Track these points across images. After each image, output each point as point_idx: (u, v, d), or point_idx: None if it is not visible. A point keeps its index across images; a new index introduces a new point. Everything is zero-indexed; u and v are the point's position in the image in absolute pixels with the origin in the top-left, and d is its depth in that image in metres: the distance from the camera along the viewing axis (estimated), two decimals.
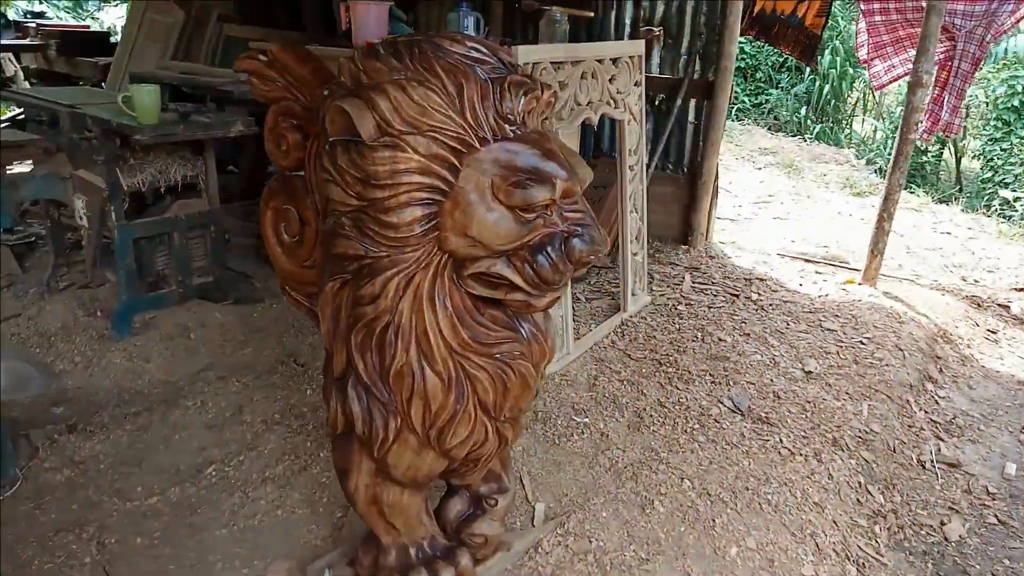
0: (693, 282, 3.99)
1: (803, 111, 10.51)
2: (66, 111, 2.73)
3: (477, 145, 1.34)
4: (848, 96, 10.90)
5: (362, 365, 1.48)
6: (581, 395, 2.84)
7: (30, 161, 3.05)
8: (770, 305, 3.74)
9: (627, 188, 3.40)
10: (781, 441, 2.61)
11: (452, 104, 1.32)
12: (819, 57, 7.27)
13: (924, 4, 3.78)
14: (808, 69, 10.34)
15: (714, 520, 2.19)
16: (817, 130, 10.13)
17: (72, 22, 7.03)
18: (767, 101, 10.99)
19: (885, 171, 7.41)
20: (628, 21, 4.56)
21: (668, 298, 3.77)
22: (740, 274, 4.14)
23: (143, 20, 4.88)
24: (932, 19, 3.57)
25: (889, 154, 7.54)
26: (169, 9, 4.85)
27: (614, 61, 3.18)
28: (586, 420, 2.67)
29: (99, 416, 2.51)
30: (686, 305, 3.68)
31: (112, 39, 6.22)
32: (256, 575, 1.90)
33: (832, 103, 10.66)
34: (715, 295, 3.84)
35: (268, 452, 2.37)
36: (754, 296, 3.84)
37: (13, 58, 6.38)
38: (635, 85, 3.37)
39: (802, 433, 2.67)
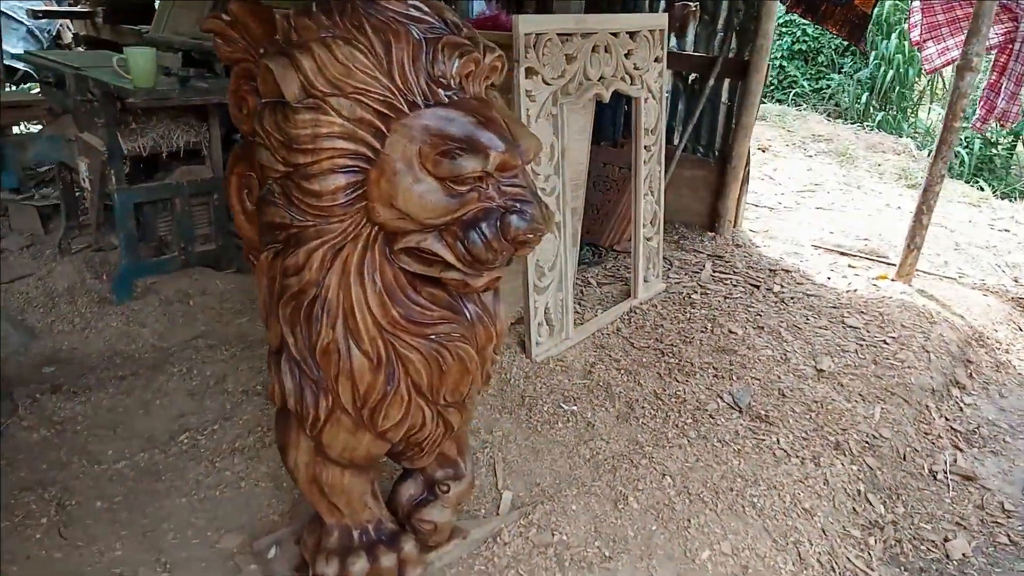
0: (713, 271, 3.82)
1: (865, 98, 10.03)
2: (72, 73, 2.74)
3: (406, 110, 1.25)
4: (915, 82, 10.35)
5: (292, 340, 1.41)
6: (574, 382, 2.74)
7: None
8: (791, 298, 3.55)
9: (641, 169, 3.26)
10: (778, 441, 2.47)
11: (379, 65, 1.23)
12: (868, 38, 6.83)
13: None
14: (873, 53, 9.86)
15: (689, 520, 2.08)
16: (879, 118, 9.65)
17: None
18: (828, 86, 10.52)
19: (949, 163, 7.04)
20: None
21: (684, 286, 3.62)
22: (765, 264, 3.95)
23: None
24: None
25: (958, 145, 7.15)
26: None
27: (632, 35, 3.03)
28: (574, 408, 2.57)
29: (86, 378, 2.53)
30: (701, 294, 3.53)
31: (156, 6, 6.30)
32: (206, 545, 1.87)
33: (896, 90, 10.13)
34: (734, 285, 3.66)
35: (243, 423, 2.35)
36: (776, 288, 3.65)
37: (71, 25, 6.53)
38: (655, 61, 3.21)
39: (803, 434, 2.52)
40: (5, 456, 2.13)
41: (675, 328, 3.19)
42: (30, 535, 1.86)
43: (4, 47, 6.11)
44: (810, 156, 7.48)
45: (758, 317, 3.32)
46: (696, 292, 3.55)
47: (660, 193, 3.45)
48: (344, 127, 1.23)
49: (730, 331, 3.17)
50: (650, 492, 2.18)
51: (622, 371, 2.83)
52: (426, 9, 1.30)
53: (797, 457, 2.41)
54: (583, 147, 3.16)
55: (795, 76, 10.71)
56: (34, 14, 6.27)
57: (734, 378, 2.82)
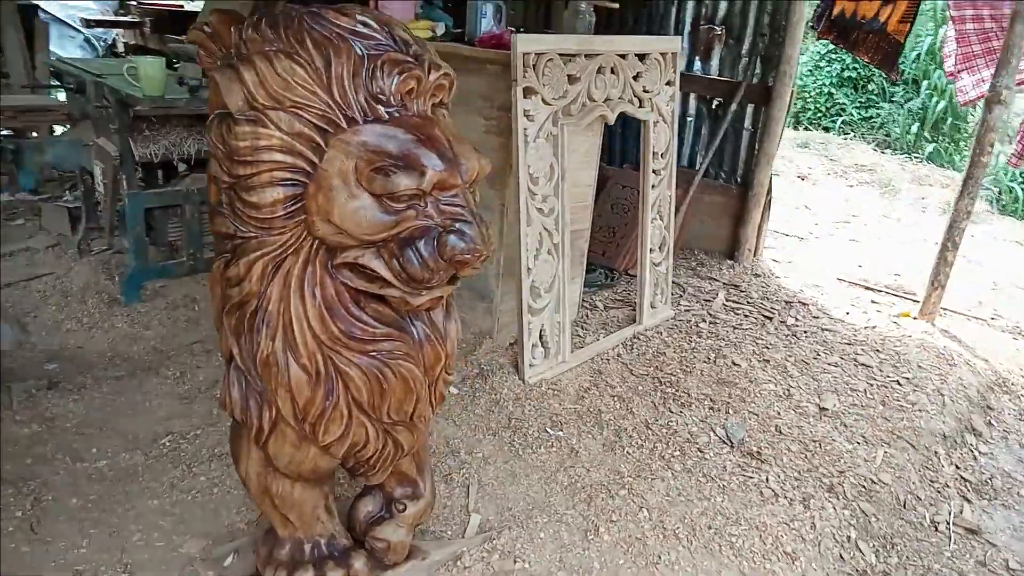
0: (727, 300, 3.74)
1: (915, 128, 9.74)
2: (91, 80, 2.84)
3: (344, 125, 1.25)
4: (970, 114, 10.02)
5: (236, 349, 1.42)
6: (565, 406, 2.69)
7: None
8: (804, 332, 3.45)
9: (649, 194, 3.21)
10: (767, 480, 2.38)
11: (319, 79, 1.23)
12: (900, 67, 6.56)
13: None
14: (925, 83, 9.59)
15: (660, 556, 2.01)
16: (930, 150, 9.37)
17: (176, 0, 7.47)
18: (877, 115, 10.27)
19: (1000, 199, 6.77)
20: (688, 18, 4.33)
21: (693, 314, 3.54)
22: (782, 296, 3.85)
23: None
24: (1017, 27, 3.18)
25: (1011, 180, 6.87)
26: None
27: (641, 58, 3.01)
28: (560, 433, 2.52)
29: (83, 376, 2.59)
30: (710, 323, 3.45)
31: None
32: (169, 549, 1.89)
33: (949, 121, 9.82)
34: (746, 316, 3.58)
35: (226, 430, 2.34)
36: (789, 321, 3.55)
37: (124, 34, 6.81)
38: (667, 84, 3.18)
39: (795, 474, 2.43)
40: None
41: (677, 357, 3.12)
42: (3, 527, 1.90)
43: (62, 55, 6.40)
44: (851, 186, 7.30)
45: (766, 350, 3.23)
46: (705, 321, 3.47)
47: (670, 218, 3.40)
48: (283, 140, 1.24)
49: (734, 363, 3.09)
50: (623, 524, 2.12)
51: (616, 398, 2.78)
52: (374, 25, 1.30)
53: (785, 497, 2.32)
54: (590, 169, 3.14)
55: (843, 103, 10.48)
56: (86, 23, 6.56)
57: (731, 412, 2.74)
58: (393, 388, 1.43)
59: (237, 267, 1.33)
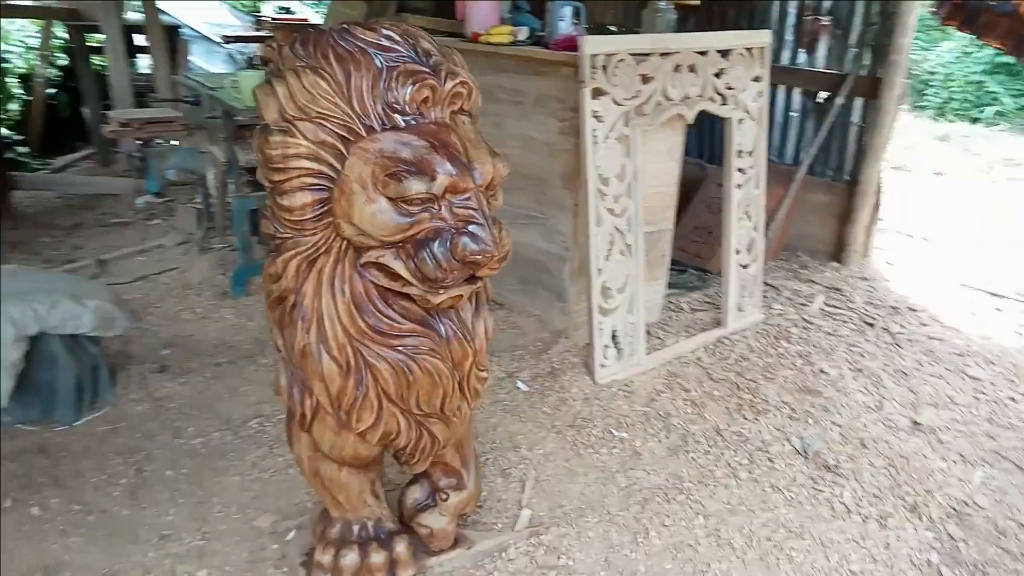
0: (825, 304, 3.55)
1: None
2: (206, 93, 3.13)
3: (363, 133, 1.34)
4: None
5: (281, 340, 1.55)
6: (633, 408, 2.68)
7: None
8: (909, 340, 3.22)
9: (734, 193, 3.12)
10: (840, 495, 2.26)
11: (340, 91, 1.33)
12: None
13: None
14: None
15: (710, 565, 1.97)
16: None
17: (311, 15, 8.00)
18: None
19: None
20: (792, 10, 4.13)
21: (785, 318, 3.40)
22: (889, 301, 3.61)
23: (331, 11, 5.39)
24: None
25: None
26: (355, 4, 5.29)
27: (724, 54, 2.93)
28: (624, 435, 2.52)
29: (191, 362, 2.87)
30: (802, 328, 3.30)
31: None
32: (244, 521, 2.06)
33: None
34: (844, 321, 3.39)
35: None
36: (894, 328, 3.33)
37: (260, 48, 7.37)
38: (754, 80, 3.07)
39: (874, 491, 2.29)
40: (112, 422, 2.48)
41: (760, 363, 3.01)
42: (110, 492, 2.16)
43: (208, 68, 7.03)
44: (993, 183, 6.66)
45: (860, 358, 3.05)
46: (796, 326, 3.32)
47: (759, 218, 3.28)
48: (309, 148, 1.34)
49: (822, 370, 2.94)
50: (676, 529, 2.09)
51: (688, 402, 2.73)
52: (397, 38, 1.38)
53: (859, 514, 2.20)
54: (671, 168, 3.09)
55: (996, 92, 9.57)
56: (226, 39, 7.15)
57: (811, 421, 2.62)
58: (419, 381, 1.50)
59: (275, 264, 1.45)
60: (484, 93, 3.15)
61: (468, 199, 1.35)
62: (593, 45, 2.52)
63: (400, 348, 1.48)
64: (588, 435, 2.51)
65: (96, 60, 6.11)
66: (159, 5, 8.14)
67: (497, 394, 2.72)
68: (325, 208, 1.38)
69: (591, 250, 2.69)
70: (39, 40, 6.23)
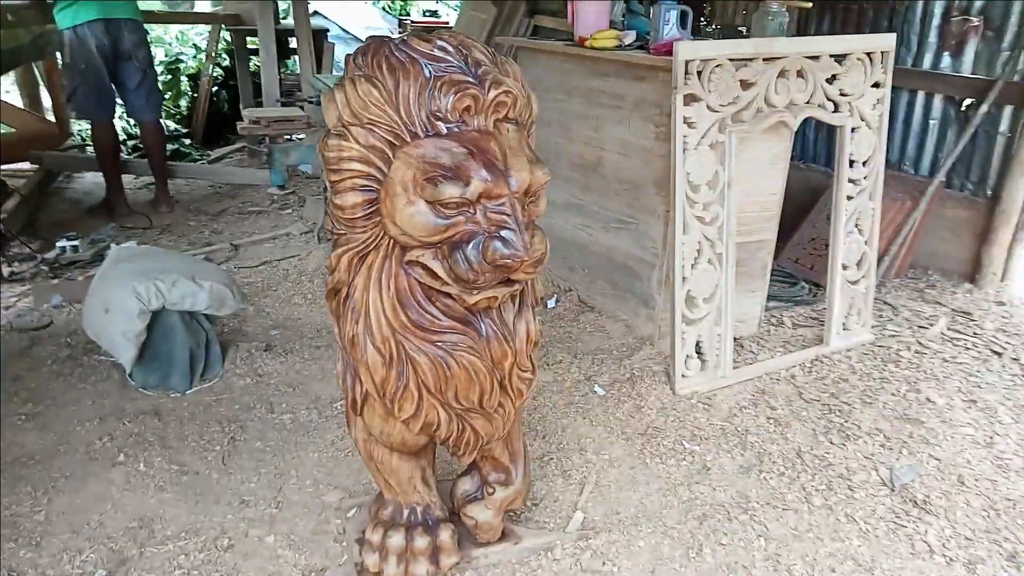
0: (948, 328, 3.27)
1: None
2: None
3: (408, 139, 1.41)
4: None
5: (336, 329, 1.66)
6: (711, 422, 2.61)
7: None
8: None
9: (843, 205, 2.94)
10: (925, 533, 2.10)
11: (389, 99, 1.41)
12: None
13: None
14: None
15: None
16: None
17: (442, 19, 8.31)
18: None
19: None
20: (938, 11, 3.81)
21: (898, 340, 3.17)
22: None
23: (462, 14, 5.57)
24: None
25: None
26: (484, 6, 5.45)
27: (840, 59, 2.77)
28: (696, 448, 2.46)
29: (293, 343, 3.10)
30: (915, 352, 3.06)
31: None
32: (315, 496, 2.22)
33: None
34: (967, 348, 3.10)
35: None
36: None
37: None
38: (874, 87, 2.88)
39: (966, 532, 2.11)
40: (217, 393, 2.73)
41: (860, 385, 2.83)
42: (205, 456, 2.39)
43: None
44: None
45: (976, 389, 2.79)
46: (909, 349, 3.08)
47: (872, 232, 3.07)
48: (360, 152, 1.43)
49: (928, 399, 2.72)
50: (733, 549, 2.03)
51: (772, 420, 2.62)
52: (449, 49, 1.44)
53: (944, 556, 2.03)
54: (776, 176, 2.97)
55: None
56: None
57: (905, 452, 2.44)
58: (457, 376, 1.56)
59: (331, 258, 1.56)
60: (586, 97, 3.22)
61: (502, 205, 1.39)
62: (687, 50, 2.47)
63: (440, 344, 1.54)
64: (658, 445, 2.47)
65: (255, 61, 6.68)
66: (318, 8, 8.77)
67: (572, 396, 2.74)
68: (374, 208, 1.47)
69: (676, 258, 2.64)
70: (208, 43, 6.90)
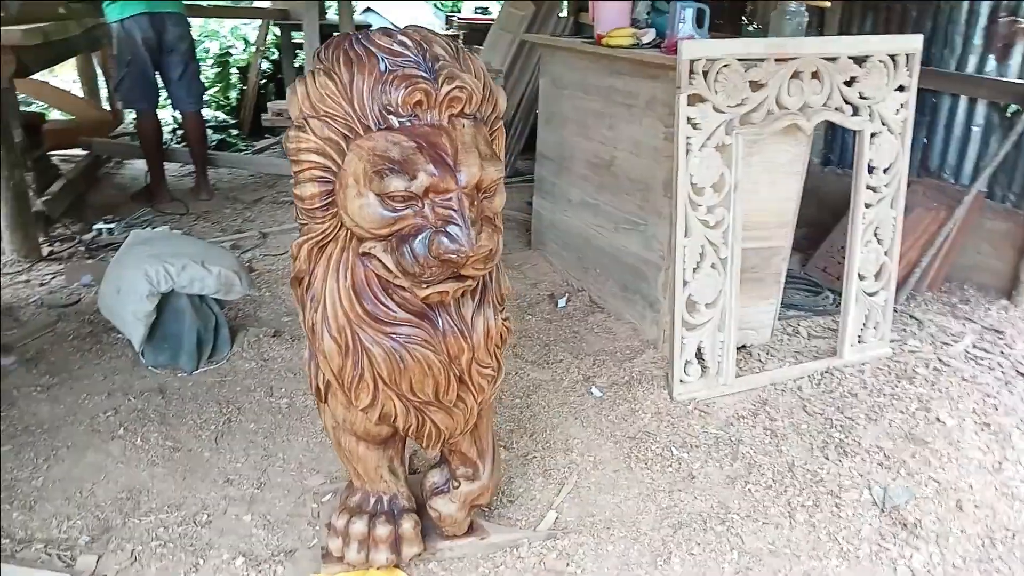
0: (973, 345, 3.13)
1: None
2: None
3: (361, 132, 1.43)
4: None
5: (301, 316, 1.70)
6: (705, 430, 2.55)
7: None
8: None
9: (860, 213, 2.84)
10: (910, 558, 2.02)
11: (344, 93, 1.42)
12: None
13: None
14: None
15: None
16: None
17: (489, 16, 8.36)
18: None
19: None
20: (984, 11, 3.64)
21: (917, 357, 3.04)
22: None
23: (502, 12, 5.58)
24: None
25: None
26: (523, 4, 5.45)
27: (860, 61, 2.67)
28: (684, 455, 2.42)
29: (302, 330, 3.15)
30: (932, 370, 2.94)
31: None
32: (298, 479, 2.26)
33: None
34: (990, 368, 2.96)
35: None
36: None
37: None
38: (897, 90, 2.77)
39: (956, 559, 2.02)
40: (221, 375, 2.82)
41: (868, 401, 2.73)
42: (199, 434, 2.46)
43: None
44: None
45: (992, 411, 2.66)
46: (927, 366, 2.96)
47: (893, 243, 2.95)
48: (317, 144, 1.46)
49: (938, 419, 2.61)
50: (703, 560, 1.99)
51: (769, 432, 2.55)
52: (409, 43, 1.45)
53: None
54: (792, 181, 2.89)
55: None
56: None
57: (903, 472, 2.34)
58: (411, 369, 1.58)
59: (293, 247, 1.59)
60: (602, 96, 3.20)
61: (449, 200, 1.39)
62: (692, 49, 2.43)
63: (394, 336, 1.56)
64: (646, 450, 2.44)
65: (301, 56, 6.84)
66: (371, 4, 8.90)
67: (568, 396, 2.73)
68: (331, 199, 1.49)
69: (677, 261, 2.60)
70: (257, 37, 7.10)
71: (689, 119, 2.49)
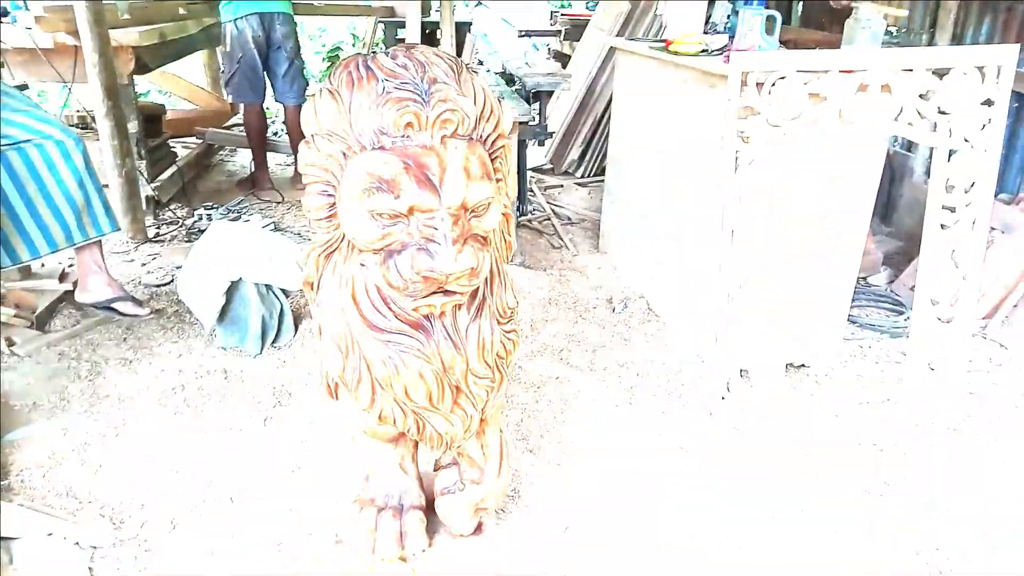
0: None
1: None
2: None
3: (357, 150, 1.50)
4: None
5: (313, 317, 1.80)
6: (745, 452, 2.48)
7: None
8: None
9: (933, 233, 2.65)
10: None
11: (344, 112, 1.50)
12: None
13: None
14: None
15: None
16: None
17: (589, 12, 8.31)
18: None
19: None
20: None
21: (998, 392, 2.81)
22: None
23: (599, 8, 5.54)
24: None
25: None
26: (619, 3, 5.39)
27: (940, 74, 2.49)
28: (717, 471, 2.37)
29: None
30: (1013, 407, 2.70)
31: None
32: (334, 465, 2.39)
33: None
34: None
35: None
36: None
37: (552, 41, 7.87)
38: (984, 104, 2.55)
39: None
40: (281, 360, 3.01)
41: (907, 437, 2.56)
42: (250, 415, 2.64)
43: (509, 58, 7.71)
44: None
45: None
46: (999, 406, 2.73)
47: (971, 267, 2.73)
48: (321, 159, 1.55)
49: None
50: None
51: (805, 458, 2.45)
52: (410, 65, 1.51)
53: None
54: (858, 196, 2.73)
55: None
56: (520, 32, 7.71)
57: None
58: (404, 377, 1.65)
59: (302, 254, 1.70)
60: (669, 103, 3.13)
61: (432, 219, 1.45)
62: (745, 61, 2.35)
63: (390, 344, 1.63)
64: (674, 464, 2.40)
65: None
66: (489, 5, 9.05)
67: (608, 406, 2.72)
68: (333, 212, 1.58)
69: (722, 276, 2.53)
70: (365, 34, 7.39)
71: (740, 132, 2.42)
